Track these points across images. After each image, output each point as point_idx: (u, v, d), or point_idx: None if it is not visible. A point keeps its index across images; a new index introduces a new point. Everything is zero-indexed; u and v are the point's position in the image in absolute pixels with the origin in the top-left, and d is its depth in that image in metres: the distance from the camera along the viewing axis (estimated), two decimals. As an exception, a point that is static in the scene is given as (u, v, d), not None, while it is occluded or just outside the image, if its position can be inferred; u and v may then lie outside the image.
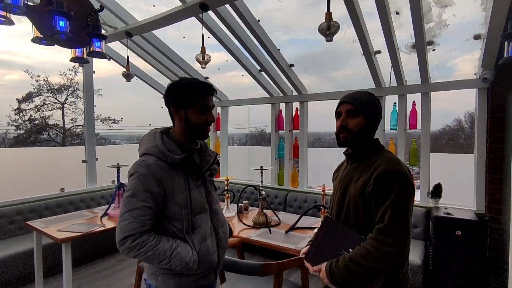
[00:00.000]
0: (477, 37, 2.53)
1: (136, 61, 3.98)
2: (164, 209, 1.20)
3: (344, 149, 1.33)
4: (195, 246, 1.20)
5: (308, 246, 1.30)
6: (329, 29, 1.89)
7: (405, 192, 1.11)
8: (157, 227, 1.22)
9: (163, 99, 1.30)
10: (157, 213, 1.19)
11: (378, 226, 1.10)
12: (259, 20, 2.81)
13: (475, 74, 2.77)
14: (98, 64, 4.03)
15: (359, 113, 1.20)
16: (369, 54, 2.72)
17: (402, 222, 1.08)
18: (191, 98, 1.23)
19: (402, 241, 1.07)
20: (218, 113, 4.56)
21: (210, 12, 2.68)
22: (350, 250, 1.15)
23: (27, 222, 2.67)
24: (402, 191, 1.10)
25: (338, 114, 1.27)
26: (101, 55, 2.38)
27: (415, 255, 2.57)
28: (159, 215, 1.21)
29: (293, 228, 2.55)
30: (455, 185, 3.62)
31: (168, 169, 1.21)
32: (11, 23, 1.89)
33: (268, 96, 3.96)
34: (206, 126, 1.27)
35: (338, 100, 1.29)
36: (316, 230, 1.41)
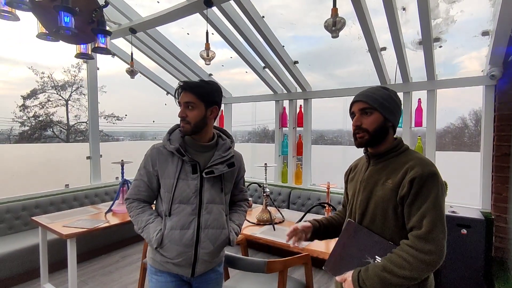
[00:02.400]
0: (485, 33, 2.49)
1: (140, 58, 3.98)
2: (159, 188, 1.41)
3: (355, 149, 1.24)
4: (165, 230, 1.33)
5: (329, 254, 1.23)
6: (335, 25, 1.86)
7: (442, 196, 1.05)
8: (156, 204, 1.45)
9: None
10: (152, 189, 1.42)
11: (416, 232, 1.02)
12: (263, 17, 2.78)
13: (482, 71, 2.74)
14: (102, 61, 4.04)
15: (373, 110, 1.13)
16: (374, 51, 2.69)
17: (441, 228, 1.02)
18: (176, 98, 1.40)
19: (441, 248, 1.01)
20: (222, 110, 4.55)
21: (214, 8, 2.67)
22: (377, 257, 1.07)
23: (33, 218, 2.69)
24: (439, 195, 1.04)
25: (352, 114, 1.20)
26: (105, 51, 2.38)
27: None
28: (157, 193, 1.42)
29: (297, 225, 2.55)
30: (460, 183, 3.60)
31: (167, 155, 1.38)
32: (16, 18, 1.90)
33: (272, 93, 3.94)
34: (181, 121, 1.37)
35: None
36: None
